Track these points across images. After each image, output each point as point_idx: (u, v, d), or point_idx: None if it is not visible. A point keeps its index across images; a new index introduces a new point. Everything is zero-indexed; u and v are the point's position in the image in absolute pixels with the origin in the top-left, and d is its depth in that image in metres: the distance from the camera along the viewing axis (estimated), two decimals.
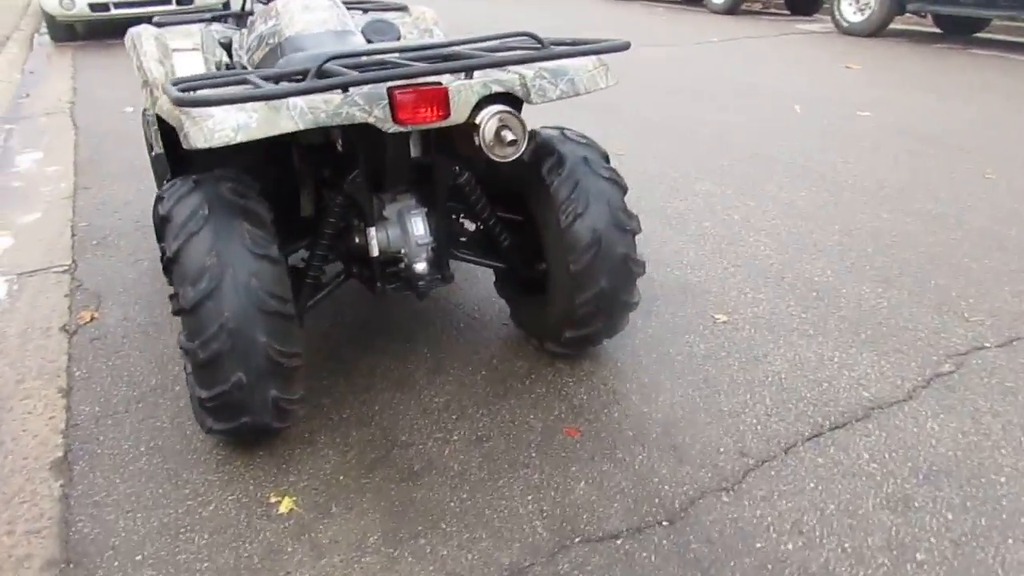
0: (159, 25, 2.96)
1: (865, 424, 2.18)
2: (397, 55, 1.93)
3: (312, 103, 1.78)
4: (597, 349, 2.54)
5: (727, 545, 1.78)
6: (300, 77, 1.80)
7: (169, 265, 1.87)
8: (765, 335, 2.65)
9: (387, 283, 2.27)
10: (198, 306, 1.81)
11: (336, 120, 1.81)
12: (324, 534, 1.84)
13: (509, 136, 1.95)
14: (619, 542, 1.80)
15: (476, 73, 1.97)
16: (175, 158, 2.36)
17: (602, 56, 2.10)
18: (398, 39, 2.95)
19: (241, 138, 1.72)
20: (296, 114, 1.76)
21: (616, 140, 4.86)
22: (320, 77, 1.72)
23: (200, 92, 1.65)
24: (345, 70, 1.77)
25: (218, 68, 2.85)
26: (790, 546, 1.77)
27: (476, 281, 3.04)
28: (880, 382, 2.37)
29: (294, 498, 1.95)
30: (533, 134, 2.32)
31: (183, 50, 2.85)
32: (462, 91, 1.91)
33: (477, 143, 1.96)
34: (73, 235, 3.65)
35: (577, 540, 1.80)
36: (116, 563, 1.77)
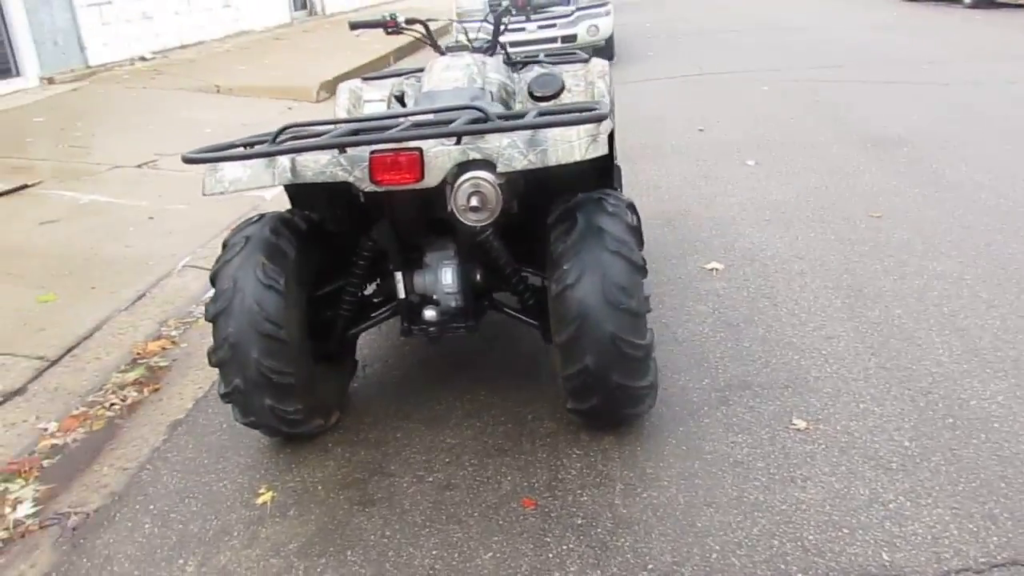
0: (366, 79, 3.51)
1: None
2: (376, 121, 2.14)
3: (302, 162, 2.09)
4: (631, 425, 2.39)
5: None
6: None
7: (211, 279, 2.33)
8: (831, 457, 2.21)
9: (412, 324, 2.47)
10: (215, 319, 2.25)
11: (321, 178, 2.10)
12: (266, 530, 2.14)
13: (474, 202, 2.02)
14: None
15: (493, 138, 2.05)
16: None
17: (598, 124, 2.03)
18: (560, 91, 3.10)
19: (233, 189, 2.11)
20: (278, 171, 2.08)
21: (884, 200, 4.21)
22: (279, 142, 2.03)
23: (200, 153, 2.06)
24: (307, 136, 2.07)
25: None
26: None
27: None
28: (920, 549, 1.85)
29: (273, 494, 2.29)
30: (567, 197, 2.31)
31: (374, 101, 3.36)
32: (439, 156, 2.03)
33: (450, 207, 2.07)
34: None
35: None
36: (138, 507, 2.30)
